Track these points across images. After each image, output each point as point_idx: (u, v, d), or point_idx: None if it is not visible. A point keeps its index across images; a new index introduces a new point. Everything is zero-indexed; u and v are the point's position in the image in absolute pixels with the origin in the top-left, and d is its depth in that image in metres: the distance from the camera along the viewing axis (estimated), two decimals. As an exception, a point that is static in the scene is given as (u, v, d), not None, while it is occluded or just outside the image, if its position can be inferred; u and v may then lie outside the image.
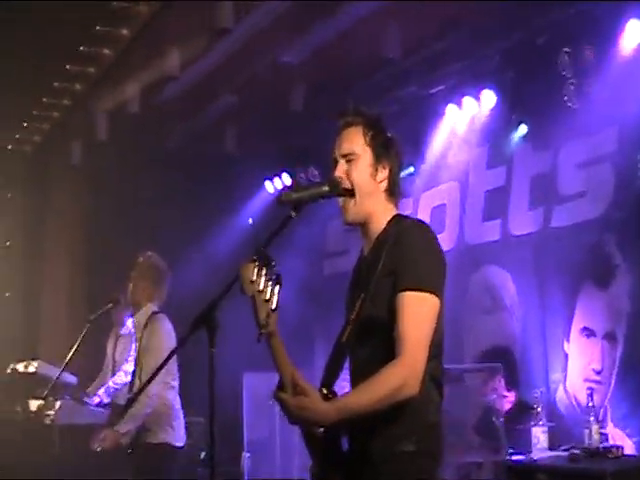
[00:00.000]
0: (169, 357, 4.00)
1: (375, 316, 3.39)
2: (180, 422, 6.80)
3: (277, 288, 3.10)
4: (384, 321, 3.35)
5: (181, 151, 10.75)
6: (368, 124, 3.56)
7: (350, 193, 3.50)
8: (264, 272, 3.10)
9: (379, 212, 3.54)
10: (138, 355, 6.81)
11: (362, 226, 3.58)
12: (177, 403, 6.81)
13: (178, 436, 6.76)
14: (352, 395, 3.21)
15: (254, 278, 3.10)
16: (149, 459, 6.64)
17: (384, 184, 3.54)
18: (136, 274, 6.95)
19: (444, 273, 3.40)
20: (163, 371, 6.43)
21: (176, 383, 6.82)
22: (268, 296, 3.10)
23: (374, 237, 3.54)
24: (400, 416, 3.28)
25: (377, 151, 3.53)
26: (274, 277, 3.11)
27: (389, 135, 3.59)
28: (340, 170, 3.52)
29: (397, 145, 3.61)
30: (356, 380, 3.40)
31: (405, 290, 3.28)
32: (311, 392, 3.14)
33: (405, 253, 3.35)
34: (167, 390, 6.74)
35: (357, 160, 3.51)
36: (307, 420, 3.14)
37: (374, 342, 3.40)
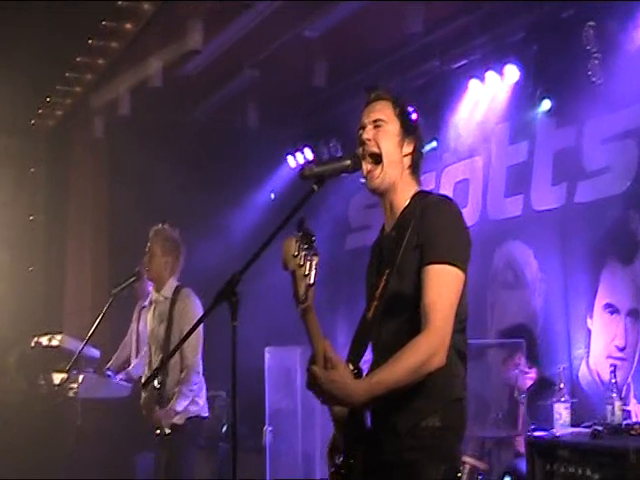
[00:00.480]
0: (190, 332, 4.01)
1: (401, 291, 3.41)
2: (204, 393, 6.85)
3: (315, 263, 3.10)
4: (410, 296, 3.37)
5: (203, 125, 10.75)
6: (396, 101, 3.60)
7: (376, 159, 3.53)
8: (305, 247, 3.10)
9: (402, 185, 3.56)
10: (167, 330, 6.79)
11: (384, 198, 3.59)
12: (200, 374, 6.85)
13: (205, 407, 6.83)
14: (382, 371, 3.21)
15: (296, 253, 3.10)
16: (181, 433, 6.68)
17: (408, 160, 3.57)
18: (155, 248, 6.88)
19: (469, 248, 3.43)
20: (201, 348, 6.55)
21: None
22: (307, 271, 3.10)
23: (397, 212, 3.56)
24: (426, 390, 3.31)
25: (405, 125, 3.56)
26: (312, 252, 3.11)
27: (414, 117, 3.62)
28: (368, 133, 3.55)
29: (420, 127, 3.64)
30: (381, 356, 3.39)
31: (431, 263, 3.31)
32: (342, 367, 3.15)
33: (432, 227, 3.38)
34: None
35: (386, 126, 3.55)
36: (336, 396, 3.13)
37: (400, 317, 3.42)
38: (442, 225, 3.39)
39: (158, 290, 6.95)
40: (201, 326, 6.54)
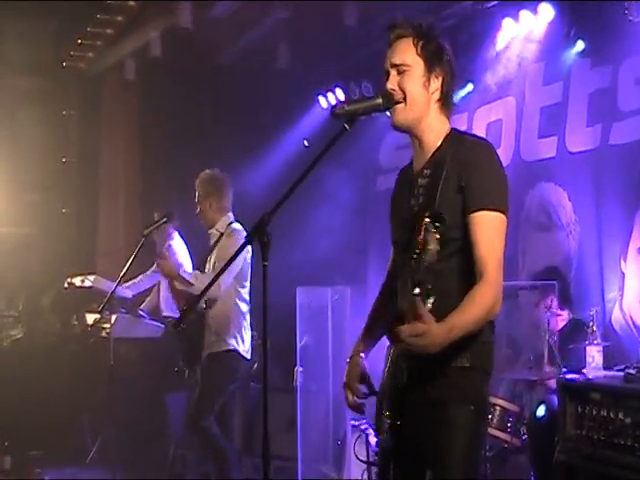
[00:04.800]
0: (225, 267, 4.03)
1: (445, 234, 3.37)
2: (248, 336, 6.97)
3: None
4: (454, 239, 3.39)
5: (234, 67, 10.69)
6: (418, 34, 3.53)
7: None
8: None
9: (431, 122, 3.53)
10: (226, 267, 6.89)
11: (412, 134, 3.56)
12: (247, 316, 7.03)
13: (245, 347, 6.93)
14: (456, 318, 3.19)
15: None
16: (220, 363, 6.81)
17: (437, 94, 3.54)
18: (199, 193, 7.15)
19: (509, 194, 3.45)
20: (235, 277, 6.75)
21: (247, 296, 7.06)
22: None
23: (428, 150, 3.53)
24: None
25: (429, 60, 3.51)
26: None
27: (440, 44, 3.56)
28: (392, 82, 3.52)
29: (449, 53, 3.58)
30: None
31: (482, 209, 3.33)
32: (428, 317, 3.08)
33: (478, 172, 3.38)
34: (238, 298, 6.99)
35: (409, 71, 3.50)
36: (423, 346, 3.09)
37: (446, 261, 3.37)
38: (490, 170, 3.40)
39: (211, 227, 7.21)
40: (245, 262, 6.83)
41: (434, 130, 3.53)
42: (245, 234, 6.70)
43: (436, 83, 3.52)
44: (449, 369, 3.39)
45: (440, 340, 3.11)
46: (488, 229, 3.33)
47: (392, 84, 3.51)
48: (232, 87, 10.73)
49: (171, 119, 10.76)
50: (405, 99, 3.49)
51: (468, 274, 3.37)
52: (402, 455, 3.54)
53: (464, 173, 3.37)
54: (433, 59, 3.52)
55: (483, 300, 3.24)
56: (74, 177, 11.71)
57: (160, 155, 10.90)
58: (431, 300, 3.06)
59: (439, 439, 3.41)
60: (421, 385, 3.42)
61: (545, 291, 7.03)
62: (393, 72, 3.52)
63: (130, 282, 8.78)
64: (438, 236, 3.06)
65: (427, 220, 3.07)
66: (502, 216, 3.37)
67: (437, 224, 3.07)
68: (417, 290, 3.03)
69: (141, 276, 8.94)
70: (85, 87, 11.74)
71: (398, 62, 3.51)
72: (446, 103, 3.58)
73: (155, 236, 8.60)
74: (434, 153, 3.52)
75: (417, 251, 3.07)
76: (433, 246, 3.05)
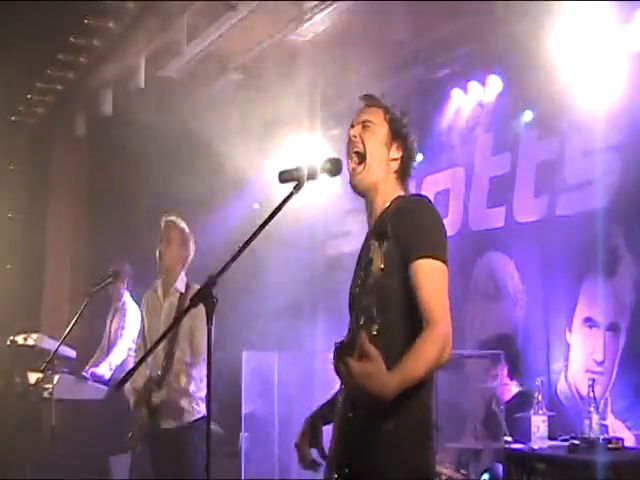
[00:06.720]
0: (168, 331, 3.95)
1: (388, 287, 3.38)
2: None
3: None
4: (397, 291, 3.35)
5: (185, 126, 10.69)
6: (389, 110, 3.63)
7: (361, 158, 3.56)
8: None
9: (386, 188, 3.58)
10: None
11: (367, 198, 3.61)
12: None
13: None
14: (406, 364, 3.11)
15: None
16: (193, 432, 6.32)
17: (395, 164, 3.59)
18: (172, 238, 6.62)
19: (447, 244, 3.41)
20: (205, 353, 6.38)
21: None
22: None
23: (377, 215, 3.53)
24: None
25: (393, 129, 3.59)
26: None
27: (407, 128, 3.64)
28: (356, 130, 3.59)
29: (411, 138, 3.65)
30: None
31: (421, 258, 3.29)
32: (378, 359, 3.02)
33: (412, 222, 3.38)
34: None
35: (373, 127, 3.58)
36: (369, 389, 3.01)
37: (389, 314, 3.37)
38: (423, 220, 3.39)
39: (171, 282, 6.67)
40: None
41: (386, 197, 3.55)
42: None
43: (397, 153, 3.58)
44: (373, 433, 3.30)
45: (390, 391, 3.03)
46: (429, 275, 3.27)
47: (355, 132, 3.59)
48: (182, 146, 10.70)
49: (121, 176, 10.70)
50: (365, 157, 3.54)
51: (409, 327, 3.30)
52: None
53: (400, 226, 3.37)
54: (398, 132, 3.60)
55: (436, 345, 3.14)
56: (20, 233, 11.59)
57: (108, 212, 10.81)
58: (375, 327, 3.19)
59: None
60: (353, 447, 3.34)
61: (492, 360, 7.04)
62: (358, 126, 3.60)
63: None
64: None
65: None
66: (441, 264, 3.31)
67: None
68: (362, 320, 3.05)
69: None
70: (34, 142, 11.68)
71: (364, 119, 3.60)
72: (403, 178, 3.63)
73: (110, 292, 8.53)
74: (379, 216, 3.53)
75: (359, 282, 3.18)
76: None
